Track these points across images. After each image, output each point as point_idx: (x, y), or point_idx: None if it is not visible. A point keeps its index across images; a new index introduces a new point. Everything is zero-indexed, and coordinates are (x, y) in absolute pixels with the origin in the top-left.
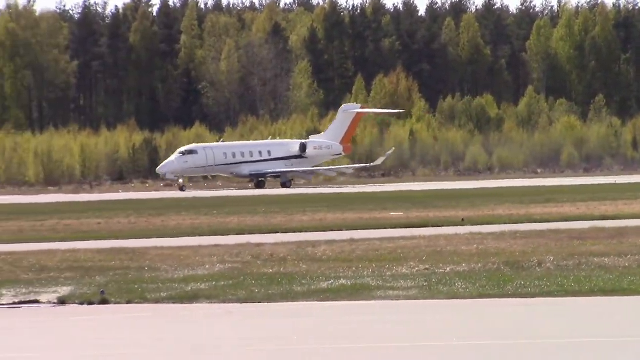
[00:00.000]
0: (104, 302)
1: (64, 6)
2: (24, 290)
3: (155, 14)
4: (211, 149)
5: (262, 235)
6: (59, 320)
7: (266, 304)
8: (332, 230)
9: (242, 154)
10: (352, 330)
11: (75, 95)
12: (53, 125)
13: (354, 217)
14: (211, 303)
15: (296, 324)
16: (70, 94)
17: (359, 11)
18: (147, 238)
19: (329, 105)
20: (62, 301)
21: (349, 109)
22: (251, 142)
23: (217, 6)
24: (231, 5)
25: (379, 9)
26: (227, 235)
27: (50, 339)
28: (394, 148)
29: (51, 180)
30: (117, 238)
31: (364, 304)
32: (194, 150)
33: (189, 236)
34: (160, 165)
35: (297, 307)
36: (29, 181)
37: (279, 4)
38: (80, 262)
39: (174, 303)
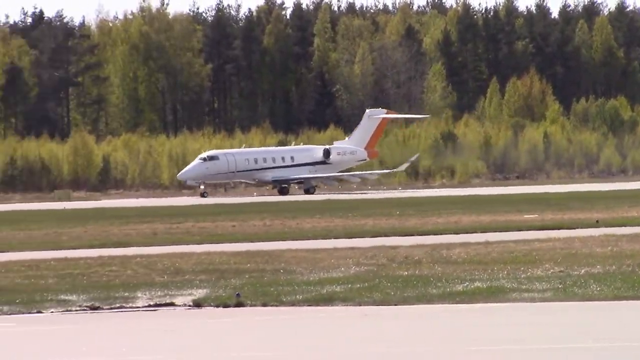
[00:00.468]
0: (240, 304)
1: (197, 9)
2: (159, 293)
3: (288, 16)
4: (232, 155)
5: (397, 237)
6: (194, 323)
7: (401, 306)
8: (466, 233)
9: (265, 160)
10: (487, 332)
11: (209, 98)
12: (187, 128)
13: (489, 219)
14: (346, 306)
15: (431, 326)
16: (204, 97)
17: (492, 13)
18: (282, 240)
19: (463, 108)
20: (197, 304)
21: (374, 114)
22: (273, 147)
23: (351, 9)
24: (364, 8)
25: (511, 11)
26: (363, 237)
27: (186, 341)
28: (418, 154)
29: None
30: (252, 240)
31: (499, 306)
32: (215, 156)
33: (323, 238)
34: (182, 171)
35: (432, 310)
36: (163, 184)
37: (412, 7)
38: (216, 265)
39: (309, 305)
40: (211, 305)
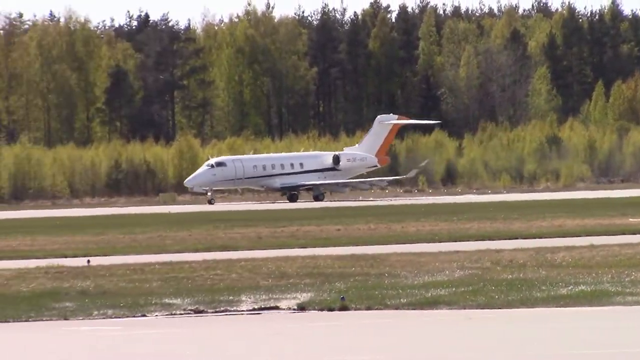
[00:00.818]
0: (344, 308)
1: (303, 12)
2: (263, 297)
3: (393, 19)
4: (240, 161)
5: (502, 241)
6: (299, 327)
7: (506, 310)
8: (571, 236)
9: (273, 167)
10: (591, 336)
11: (314, 101)
12: (292, 132)
13: (593, 222)
14: (451, 309)
15: (535, 330)
16: (310, 100)
17: (597, 17)
18: (386, 244)
19: (568, 111)
20: (301, 307)
21: (385, 120)
22: (282, 154)
23: (456, 12)
24: (469, 12)
25: (616, 15)
26: (467, 241)
27: (290, 345)
28: (427, 160)
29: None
30: (356, 244)
31: (603, 309)
32: (222, 163)
33: (428, 242)
34: (188, 178)
35: (536, 313)
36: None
37: (518, 10)
38: (320, 269)
39: (413, 309)
40: (315, 309)
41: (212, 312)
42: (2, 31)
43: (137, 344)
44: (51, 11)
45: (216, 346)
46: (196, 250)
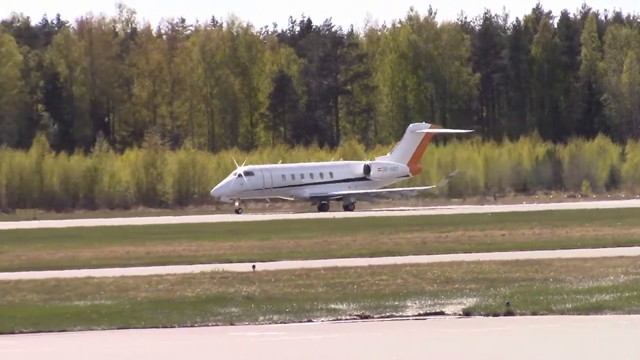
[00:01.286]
0: (509, 313)
1: (465, 18)
2: (429, 302)
3: (555, 25)
4: (269, 171)
5: None
6: (464, 332)
7: None
8: None
9: (302, 176)
10: None
11: (477, 106)
12: (456, 137)
13: None
14: (615, 314)
15: None
16: (473, 106)
17: None
18: (551, 249)
19: None
20: (467, 313)
21: (417, 129)
22: (312, 163)
23: (617, 18)
24: (632, 17)
25: None
26: (632, 246)
27: (455, 350)
28: (457, 170)
29: (454, 192)
30: (521, 249)
31: None
32: (250, 172)
33: (592, 247)
34: (216, 187)
35: None
36: (432, 193)
37: None
38: (485, 274)
39: (578, 314)
40: (481, 314)
41: (378, 318)
42: (165, 37)
43: (302, 350)
44: (213, 17)
45: (381, 352)
46: (361, 256)
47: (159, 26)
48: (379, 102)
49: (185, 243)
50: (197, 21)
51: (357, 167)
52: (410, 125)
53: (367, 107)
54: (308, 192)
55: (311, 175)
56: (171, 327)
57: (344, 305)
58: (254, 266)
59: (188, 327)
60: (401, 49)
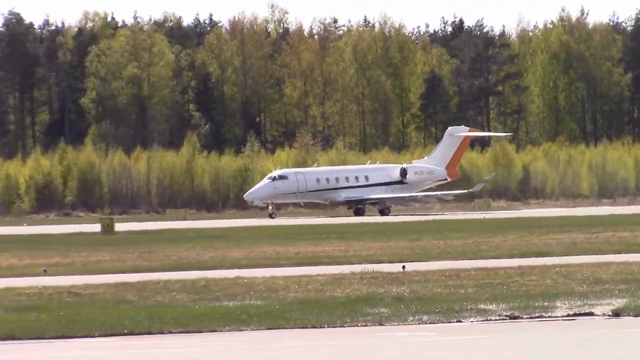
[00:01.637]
0: None
1: (617, 19)
2: (578, 303)
3: None
4: (302, 174)
5: None
6: (613, 333)
7: None
8: None
9: (337, 179)
10: None
11: (628, 107)
12: (607, 138)
13: None
14: None
15: None
16: (624, 107)
17: None
18: None
19: None
20: (616, 313)
21: (456, 132)
22: (347, 167)
23: None
24: None
25: None
26: None
27: (604, 352)
28: (494, 173)
29: (605, 192)
30: None
31: None
32: (284, 176)
33: None
34: (249, 191)
35: None
36: (583, 193)
37: None
38: (635, 275)
39: None
40: (630, 315)
41: (527, 318)
42: (317, 37)
43: (452, 351)
44: (365, 17)
45: (530, 352)
46: (511, 256)
47: (310, 26)
48: (530, 102)
49: (334, 243)
50: (350, 21)
51: (393, 171)
52: (449, 128)
53: (518, 108)
54: (344, 195)
55: (346, 178)
56: (320, 327)
57: (494, 305)
58: (403, 267)
59: (337, 327)
60: (553, 50)
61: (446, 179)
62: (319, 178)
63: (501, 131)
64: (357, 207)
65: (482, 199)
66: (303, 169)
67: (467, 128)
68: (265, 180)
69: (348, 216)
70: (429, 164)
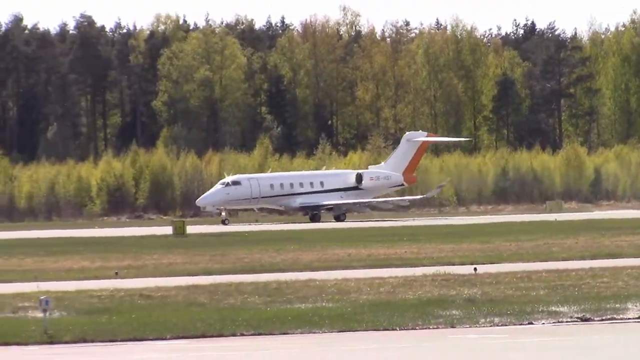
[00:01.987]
0: None
1: None
2: None
3: None
4: (256, 180)
5: None
6: None
7: None
8: None
9: (292, 185)
10: None
11: None
12: None
13: None
14: None
15: None
16: None
17: None
18: None
19: None
20: None
21: (413, 138)
22: (302, 172)
23: None
24: None
25: None
26: None
27: None
28: (449, 179)
29: None
30: None
31: None
32: (237, 181)
33: None
34: (201, 196)
35: None
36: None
37: None
38: None
39: None
40: None
41: (598, 320)
42: (389, 39)
43: (523, 353)
44: (437, 19)
45: (601, 354)
46: (582, 258)
47: (383, 29)
48: (602, 105)
49: (406, 245)
50: (421, 24)
51: (349, 176)
52: (407, 133)
53: (590, 110)
54: (299, 201)
55: (301, 184)
56: (392, 329)
57: (565, 307)
58: (475, 268)
59: (409, 329)
60: (624, 52)
61: (402, 185)
62: (273, 184)
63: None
64: (313, 213)
65: (554, 201)
66: (257, 174)
67: (425, 133)
68: (218, 186)
69: (305, 222)
70: (386, 170)
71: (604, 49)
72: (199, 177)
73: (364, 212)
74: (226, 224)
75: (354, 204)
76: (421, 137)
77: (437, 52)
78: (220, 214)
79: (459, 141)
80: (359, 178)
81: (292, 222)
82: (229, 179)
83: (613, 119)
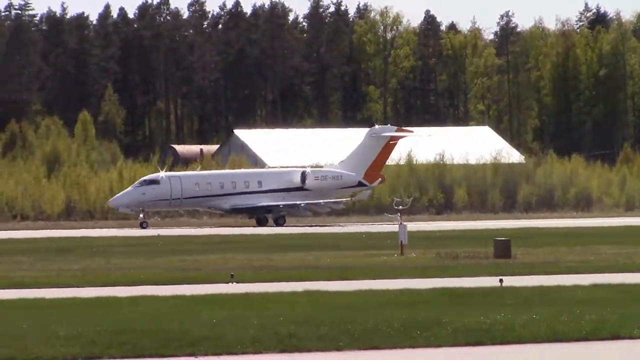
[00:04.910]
0: None
1: None
2: None
3: None
4: (178, 178)
5: None
6: None
7: None
8: None
9: (222, 185)
10: None
11: None
12: None
13: None
14: None
15: None
16: None
17: None
18: None
19: None
20: None
21: (379, 133)
22: (235, 171)
23: None
24: None
25: None
26: None
27: None
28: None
29: None
30: None
31: None
32: (155, 180)
33: None
34: (114, 196)
35: None
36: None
37: None
38: None
39: None
40: None
41: None
42: None
43: None
44: None
45: None
46: None
47: None
48: None
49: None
50: None
51: (294, 176)
52: (371, 128)
53: None
54: (230, 203)
55: (233, 184)
56: None
57: None
58: None
59: None
60: None
61: (358, 184)
62: (198, 183)
63: None
64: (258, 216)
65: None
66: (181, 172)
67: (395, 127)
68: (134, 185)
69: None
70: (340, 168)
71: None
72: None
73: (304, 215)
74: (144, 227)
75: (291, 206)
76: (389, 131)
77: None
78: (139, 216)
79: (422, 136)
80: (304, 178)
81: (231, 227)
82: (146, 177)
83: None
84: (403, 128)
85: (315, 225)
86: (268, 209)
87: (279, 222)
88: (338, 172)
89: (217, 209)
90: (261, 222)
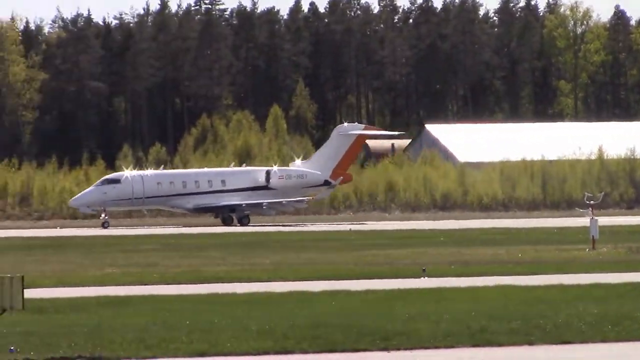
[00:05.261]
0: None
1: None
2: None
3: None
4: (140, 177)
5: None
6: None
7: None
8: None
9: (184, 184)
10: None
11: None
12: None
13: None
14: None
15: None
16: None
17: None
18: None
19: None
20: None
21: (347, 131)
22: (198, 170)
23: None
24: None
25: None
26: None
27: None
28: (340, 178)
29: None
30: None
31: None
32: (116, 179)
33: None
34: (75, 196)
35: None
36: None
37: None
38: None
39: None
40: None
41: None
42: None
43: None
44: None
45: None
46: None
47: None
48: None
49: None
50: None
51: (259, 174)
52: (339, 126)
53: None
54: (192, 202)
55: (197, 183)
56: None
57: None
58: None
59: None
60: None
61: (323, 184)
62: (160, 182)
63: None
64: (224, 215)
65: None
66: (143, 171)
67: (363, 126)
68: (95, 185)
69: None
70: (305, 167)
71: None
72: None
73: (269, 214)
74: (106, 227)
75: (255, 205)
76: (356, 130)
77: None
78: (100, 215)
79: (394, 136)
80: (268, 177)
81: (194, 226)
82: (107, 176)
83: None
84: (371, 127)
85: (511, 219)
86: (232, 208)
87: (242, 222)
88: (302, 170)
89: (179, 209)
90: (227, 222)
